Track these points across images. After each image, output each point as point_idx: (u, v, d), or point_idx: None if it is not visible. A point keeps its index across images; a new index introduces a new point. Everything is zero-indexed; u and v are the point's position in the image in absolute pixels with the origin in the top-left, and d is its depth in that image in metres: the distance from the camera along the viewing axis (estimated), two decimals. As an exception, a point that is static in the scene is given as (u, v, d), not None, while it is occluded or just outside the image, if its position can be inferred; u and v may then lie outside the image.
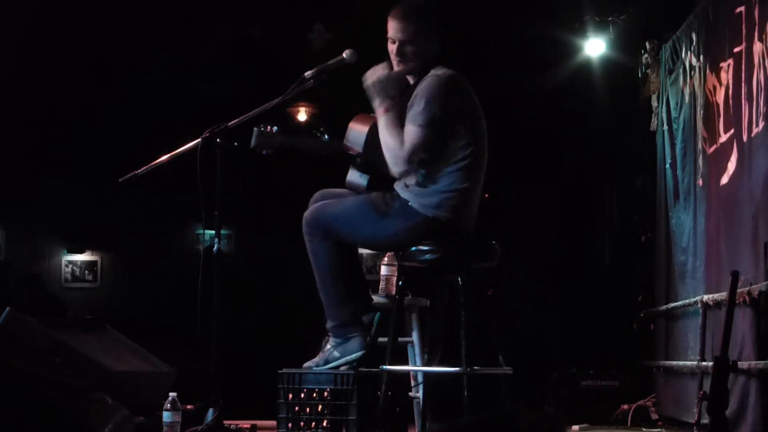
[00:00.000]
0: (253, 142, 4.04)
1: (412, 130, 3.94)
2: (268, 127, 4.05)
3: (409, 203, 3.98)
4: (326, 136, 4.19)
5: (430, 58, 4.07)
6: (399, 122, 3.99)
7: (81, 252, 9.60)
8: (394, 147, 3.96)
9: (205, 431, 3.85)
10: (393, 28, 4.06)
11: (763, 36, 4.81)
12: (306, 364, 4.21)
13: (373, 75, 4.05)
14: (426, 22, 4.07)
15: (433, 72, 4.03)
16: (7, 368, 3.12)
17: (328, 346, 4.17)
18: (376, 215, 4.00)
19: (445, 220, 3.96)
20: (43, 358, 3.72)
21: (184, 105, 8.20)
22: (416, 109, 3.94)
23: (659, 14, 6.86)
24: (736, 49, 5.26)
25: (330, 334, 4.19)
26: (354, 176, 4.13)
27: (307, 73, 4.13)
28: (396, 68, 4.08)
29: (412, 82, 4.11)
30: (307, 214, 4.13)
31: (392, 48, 4.07)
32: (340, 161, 4.15)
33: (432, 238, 3.98)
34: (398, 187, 4.03)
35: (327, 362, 4.15)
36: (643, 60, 7.22)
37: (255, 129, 4.04)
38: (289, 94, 4.15)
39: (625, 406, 6.70)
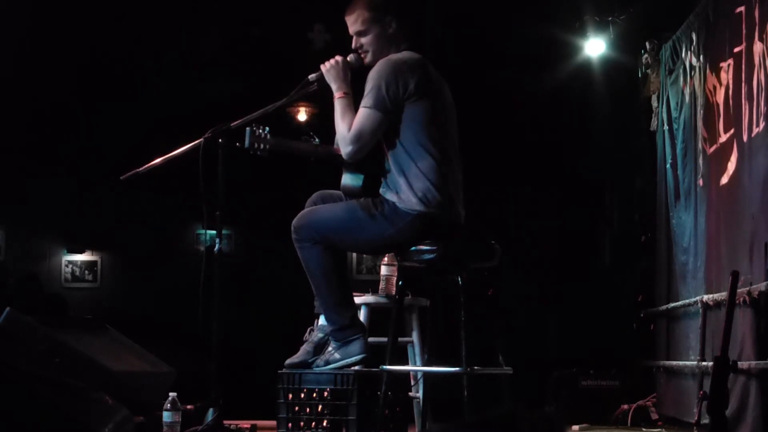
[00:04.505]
0: (246, 142, 4.06)
1: (359, 113, 3.98)
2: (260, 128, 4.07)
3: (397, 204, 3.97)
4: (316, 140, 4.21)
5: (395, 44, 4.10)
6: (354, 108, 4.04)
7: (81, 252, 9.60)
8: (343, 130, 4.01)
9: (205, 431, 3.85)
10: (348, 23, 4.15)
11: (763, 36, 4.81)
12: (288, 361, 4.21)
13: (330, 62, 4.09)
14: (371, 9, 4.10)
15: (388, 56, 4.06)
16: (7, 368, 3.12)
17: (329, 348, 4.17)
18: (366, 221, 3.98)
19: (431, 214, 3.94)
20: (43, 358, 3.72)
21: (184, 105, 8.21)
22: (365, 93, 3.99)
23: (659, 14, 6.86)
24: (736, 49, 5.26)
25: (330, 337, 4.19)
26: (348, 179, 4.13)
27: (311, 76, 4.15)
28: (364, 62, 4.14)
29: None
30: (295, 220, 4.12)
31: (353, 43, 4.15)
32: (331, 165, 4.16)
33: (423, 235, 3.97)
34: (383, 191, 4.04)
35: (328, 364, 4.15)
36: (643, 60, 7.21)
37: (247, 129, 4.06)
38: (294, 96, 4.18)
39: (625, 406, 6.70)
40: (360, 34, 4.13)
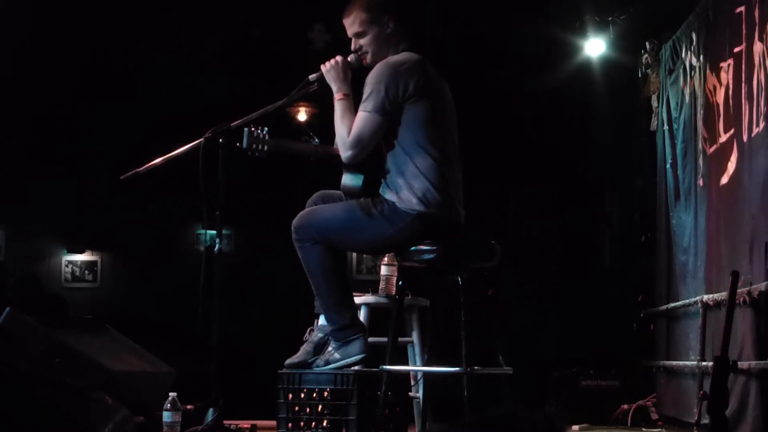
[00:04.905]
0: (244, 143, 4.05)
1: (358, 117, 3.98)
2: (259, 129, 4.06)
3: (396, 204, 3.97)
4: (316, 140, 4.20)
5: (394, 44, 4.09)
6: (354, 109, 4.03)
7: (81, 252, 9.60)
8: (342, 133, 4.01)
9: (205, 431, 3.85)
10: (346, 26, 4.15)
11: (763, 36, 4.81)
12: (288, 361, 4.21)
13: (330, 62, 4.09)
14: (368, 10, 4.09)
15: (387, 58, 4.05)
16: (7, 368, 3.12)
17: (329, 348, 4.17)
18: (366, 221, 3.98)
19: (431, 214, 3.95)
20: (43, 358, 3.72)
21: (184, 105, 8.20)
22: (364, 96, 3.99)
23: (659, 14, 6.85)
24: (736, 49, 5.26)
25: (330, 337, 4.19)
26: (348, 179, 4.12)
27: (311, 77, 4.15)
28: (364, 63, 4.14)
29: None
30: (295, 220, 4.12)
31: (352, 45, 4.15)
32: (331, 165, 4.16)
33: (423, 235, 3.97)
34: (382, 191, 4.03)
35: (328, 364, 4.15)
36: (643, 60, 7.22)
37: (245, 130, 4.05)
38: (294, 96, 4.18)
39: (625, 406, 6.70)
40: (358, 35, 4.12)
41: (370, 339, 4.31)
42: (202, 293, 3.91)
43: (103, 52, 8.02)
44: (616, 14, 7.08)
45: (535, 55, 7.68)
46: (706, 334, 5.70)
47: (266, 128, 4.08)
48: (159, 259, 9.21)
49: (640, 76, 7.38)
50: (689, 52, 6.33)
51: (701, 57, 6.04)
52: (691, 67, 6.28)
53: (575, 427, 6.22)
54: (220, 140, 4.00)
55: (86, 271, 9.60)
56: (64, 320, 4.34)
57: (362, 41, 4.12)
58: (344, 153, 4.01)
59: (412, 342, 5.08)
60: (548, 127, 8.41)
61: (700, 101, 6.05)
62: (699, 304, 5.75)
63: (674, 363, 6.41)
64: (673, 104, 6.72)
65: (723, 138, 5.54)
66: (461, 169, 4.13)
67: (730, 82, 5.39)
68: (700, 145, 6.04)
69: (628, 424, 6.55)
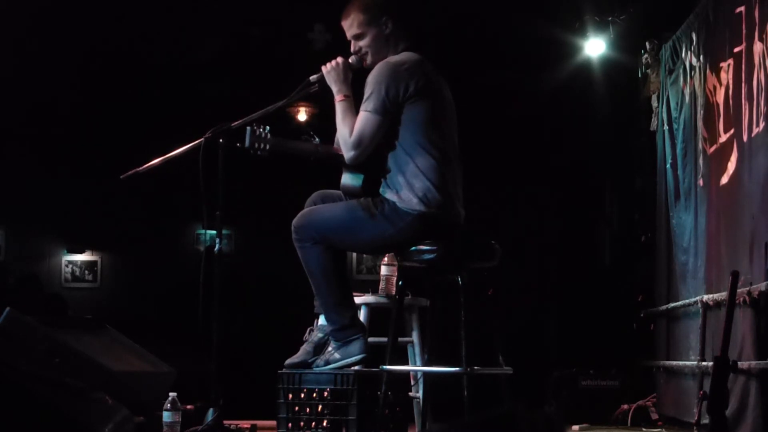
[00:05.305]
0: (246, 142, 4.06)
1: (360, 117, 3.99)
2: (261, 128, 4.07)
3: (397, 204, 3.97)
4: (316, 139, 4.21)
5: (394, 44, 4.10)
6: (355, 110, 4.04)
7: (81, 252, 9.60)
8: (345, 134, 4.02)
9: (205, 431, 3.85)
10: (344, 28, 4.16)
11: (763, 36, 4.81)
12: (288, 361, 4.21)
13: (331, 63, 4.09)
14: (366, 11, 4.10)
15: (387, 59, 4.05)
16: (7, 368, 3.12)
17: (329, 348, 4.17)
18: (366, 221, 3.99)
19: (431, 214, 3.95)
20: (43, 358, 3.71)
21: (184, 105, 8.21)
22: (364, 96, 3.99)
23: (659, 14, 6.85)
24: (736, 49, 5.26)
25: (330, 337, 4.19)
26: (348, 179, 4.13)
27: (312, 77, 4.15)
28: (364, 64, 4.14)
29: None
30: (295, 220, 4.13)
31: (351, 47, 4.15)
32: (331, 165, 4.16)
33: (423, 235, 3.98)
34: (383, 190, 4.04)
35: (328, 364, 4.16)
36: (643, 60, 7.21)
37: (248, 129, 4.06)
38: (294, 97, 4.18)
39: (625, 406, 6.70)
40: (357, 37, 4.12)
41: (370, 339, 4.31)
42: (202, 293, 3.91)
43: (103, 52, 8.02)
44: (616, 14, 7.08)
45: (535, 55, 7.68)
46: (706, 334, 5.70)
47: (268, 127, 4.09)
48: (159, 259, 9.21)
49: (640, 76, 7.37)
50: (689, 52, 6.33)
51: (701, 57, 6.04)
52: (691, 67, 6.28)
53: (575, 427, 6.22)
54: (221, 140, 4.00)
55: (86, 271, 9.60)
56: (64, 320, 4.34)
57: (361, 43, 4.12)
58: (347, 154, 4.02)
59: (412, 342, 5.08)
60: (548, 127, 8.42)
61: (700, 101, 6.05)
62: (699, 304, 5.75)
63: (674, 363, 6.40)
64: (673, 104, 6.72)
65: (723, 138, 5.54)
66: (461, 169, 4.13)
67: (730, 82, 5.39)
68: (700, 145, 6.04)
69: (628, 424, 6.55)
